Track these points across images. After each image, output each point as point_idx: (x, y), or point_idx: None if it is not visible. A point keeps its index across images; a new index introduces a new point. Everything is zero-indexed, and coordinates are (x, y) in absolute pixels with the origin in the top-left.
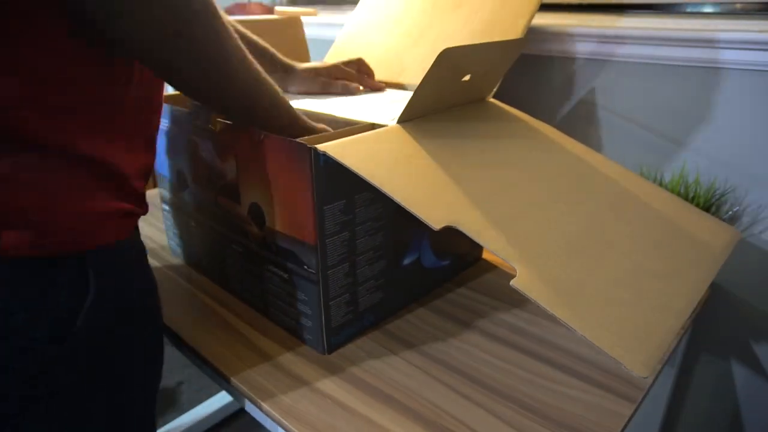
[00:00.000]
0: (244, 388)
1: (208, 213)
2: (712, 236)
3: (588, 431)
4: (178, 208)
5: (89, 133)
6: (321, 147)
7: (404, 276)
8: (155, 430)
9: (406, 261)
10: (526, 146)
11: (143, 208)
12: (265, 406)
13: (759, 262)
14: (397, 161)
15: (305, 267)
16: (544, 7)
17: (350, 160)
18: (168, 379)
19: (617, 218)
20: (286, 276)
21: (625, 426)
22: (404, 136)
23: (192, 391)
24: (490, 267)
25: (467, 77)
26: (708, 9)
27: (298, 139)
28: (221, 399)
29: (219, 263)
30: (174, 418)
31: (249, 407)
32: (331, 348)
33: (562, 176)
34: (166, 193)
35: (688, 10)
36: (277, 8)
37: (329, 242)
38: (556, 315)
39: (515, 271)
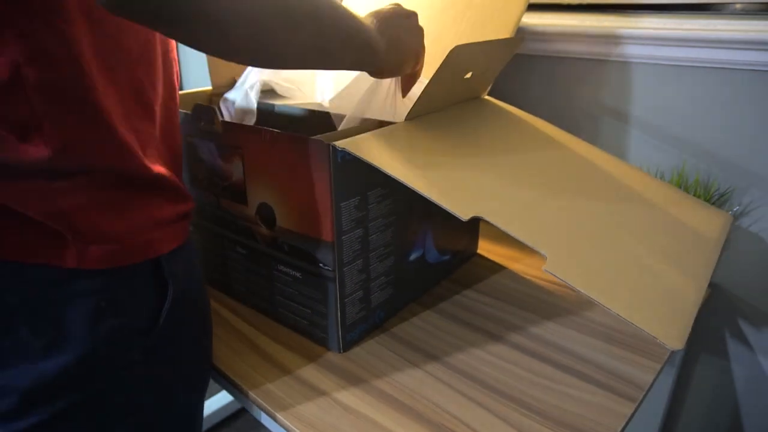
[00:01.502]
0: (244, 388)
1: (207, 216)
2: (708, 221)
3: (588, 430)
4: None
5: (142, 146)
6: (340, 144)
7: (411, 271)
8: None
9: (413, 256)
10: (530, 141)
11: (192, 203)
12: (265, 405)
13: (759, 262)
14: (413, 156)
15: (321, 265)
16: (544, 8)
17: (370, 157)
18: None
19: (621, 206)
20: (299, 275)
21: (626, 425)
22: (414, 133)
23: None
24: (487, 263)
25: (469, 75)
26: (708, 9)
27: (315, 137)
28: (221, 399)
29: (219, 267)
30: None
31: (249, 407)
32: (346, 345)
33: (567, 168)
34: None
35: (689, 10)
36: None
37: (345, 239)
38: (591, 296)
39: (513, 265)
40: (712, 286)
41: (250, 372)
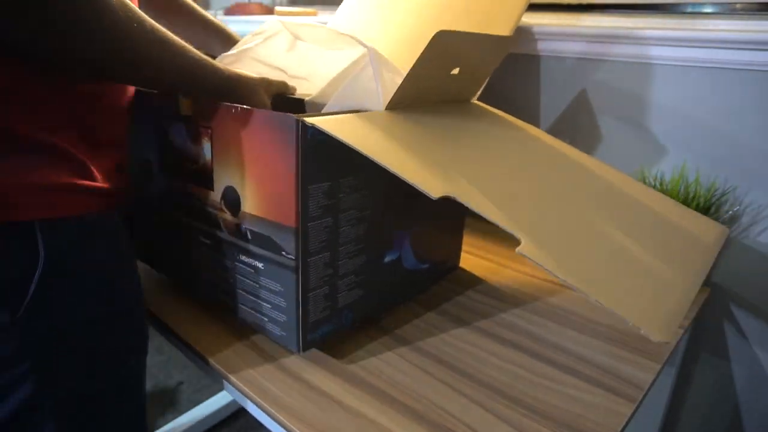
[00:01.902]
0: (244, 388)
1: (175, 204)
2: (703, 231)
3: (588, 431)
4: (141, 202)
5: (28, 112)
6: (310, 120)
7: (384, 275)
8: (142, 411)
9: (387, 259)
10: (516, 141)
11: (111, 186)
12: (265, 405)
13: (759, 261)
14: (390, 140)
15: (283, 253)
16: (544, 8)
17: (341, 134)
18: (168, 379)
19: (611, 208)
20: (260, 266)
21: (626, 425)
22: (394, 121)
23: (192, 391)
24: (489, 264)
25: (456, 71)
26: (708, 9)
27: (286, 114)
28: (221, 399)
29: (186, 261)
30: (174, 418)
31: (249, 407)
32: (306, 345)
33: (553, 169)
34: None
35: (689, 10)
36: (277, 8)
37: (311, 227)
38: (567, 281)
39: (513, 266)
40: (712, 286)
41: (250, 372)
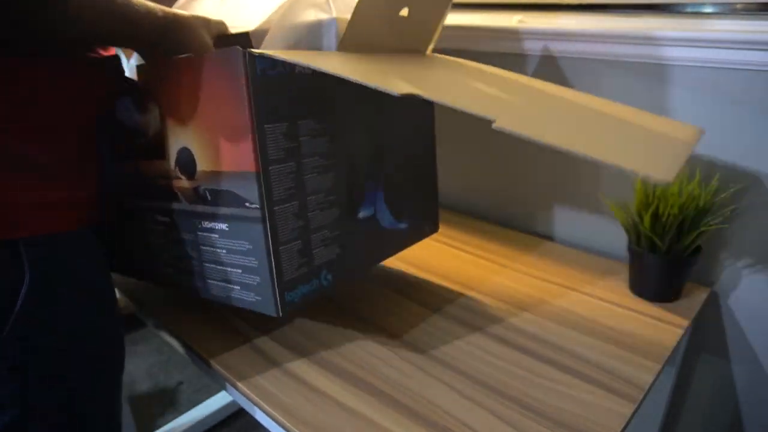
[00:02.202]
0: (243, 388)
1: (126, 187)
2: (676, 127)
3: (588, 431)
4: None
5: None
6: (258, 51)
7: (361, 233)
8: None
9: (362, 213)
10: (485, 70)
11: (95, 198)
12: (265, 406)
13: (759, 262)
14: (344, 65)
15: (247, 204)
16: (544, 8)
17: (293, 58)
18: (168, 379)
19: (585, 108)
20: (225, 227)
21: (626, 426)
22: (348, 57)
23: (192, 391)
24: (485, 263)
25: (405, 11)
26: (708, 9)
27: (231, 48)
28: (221, 399)
29: (143, 250)
30: (174, 418)
31: (249, 407)
32: (285, 307)
33: (523, 83)
34: None
35: (689, 10)
36: None
37: (273, 170)
38: (549, 142)
39: (512, 266)
40: (712, 286)
41: (249, 371)
